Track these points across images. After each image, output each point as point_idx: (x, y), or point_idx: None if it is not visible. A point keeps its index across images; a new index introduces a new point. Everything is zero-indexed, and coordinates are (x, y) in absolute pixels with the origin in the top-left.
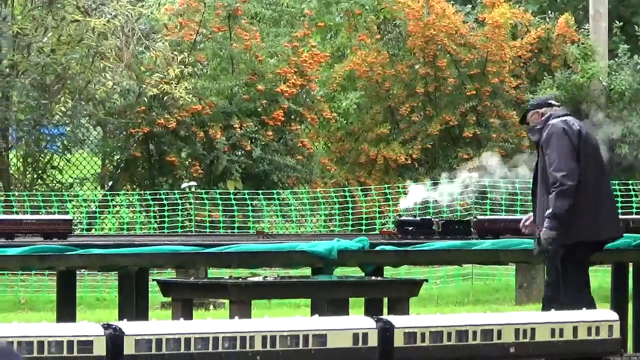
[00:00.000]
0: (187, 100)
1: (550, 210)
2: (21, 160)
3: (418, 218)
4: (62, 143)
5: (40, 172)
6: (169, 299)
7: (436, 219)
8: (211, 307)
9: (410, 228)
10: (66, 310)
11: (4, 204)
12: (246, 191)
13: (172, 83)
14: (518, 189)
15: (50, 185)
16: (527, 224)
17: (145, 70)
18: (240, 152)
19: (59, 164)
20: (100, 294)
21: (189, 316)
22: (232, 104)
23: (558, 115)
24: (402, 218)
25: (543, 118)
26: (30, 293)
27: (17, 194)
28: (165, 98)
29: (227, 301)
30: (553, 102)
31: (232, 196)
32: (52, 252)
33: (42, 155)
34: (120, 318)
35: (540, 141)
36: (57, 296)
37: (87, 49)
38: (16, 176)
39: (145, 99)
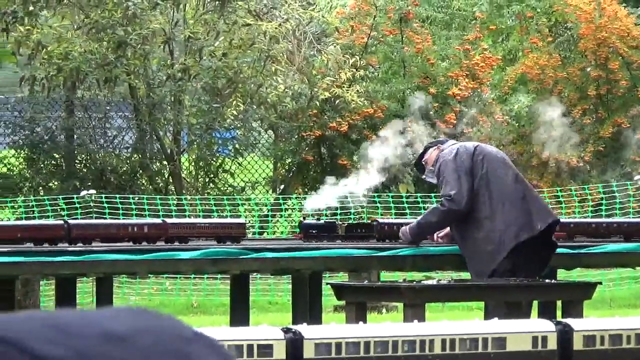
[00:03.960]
0: (358, 104)
1: None
2: (193, 164)
3: (322, 221)
4: (234, 147)
5: (212, 175)
6: (341, 302)
7: (340, 222)
8: (384, 310)
9: (314, 231)
10: (239, 313)
11: (176, 208)
12: (418, 194)
13: (343, 86)
14: None
15: (222, 189)
16: (441, 235)
17: (317, 73)
18: (412, 156)
19: (230, 167)
20: (272, 298)
21: (363, 319)
22: (404, 107)
23: (445, 147)
24: (306, 221)
25: (436, 158)
26: (202, 297)
27: (189, 197)
28: (337, 101)
29: (400, 304)
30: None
31: (404, 199)
32: (226, 255)
33: (214, 159)
34: (294, 321)
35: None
36: (230, 299)
37: (258, 52)
38: (188, 180)
39: (317, 103)
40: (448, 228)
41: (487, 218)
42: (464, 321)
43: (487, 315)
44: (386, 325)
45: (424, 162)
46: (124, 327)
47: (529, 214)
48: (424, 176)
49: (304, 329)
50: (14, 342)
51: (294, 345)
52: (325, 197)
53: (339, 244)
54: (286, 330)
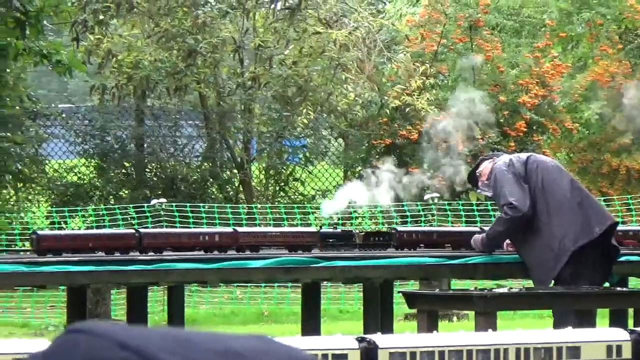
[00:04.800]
0: (429, 112)
1: None
2: (263, 172)
3: (339, 230)
4: (304, 155)
5: (282, 184)
6: (411, 311)
7: (357, 231)
8: (454, 318)
9: (331, 240)
10: (311, 322)
11: (247, 216)
12: (489, 202)
13: (414, 94)
14: None
15: (292, 197)
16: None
17: (387, 81)
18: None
19: (300, 175)
20: (343, 306)
21: (434, 328)
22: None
23: (499, 160)
24: (323, 230)
25: (490, 170)
26: (272, 305)
27: (259, 206)
28: (407, 109)
29: (471, 312)
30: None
31: (474, 207)
32: (297, 264)
33: (284, 168)
34: (366, 330)
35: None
36: (301, 308)
37: (328, 60)
38: (258, 188)
39: (387, 111)
40: None
41: (546, 225)
42: (538, 330)
43: (556, 324)
44: (460, 334)
45: (478, 174)
46: (243, 346)
47: (587, 218)
48: (478, 190)
49: (379, 338)
50: (135, 349)
51: (369, 355)
52: (378, 195)
53: (407, 252)
54: (361, 340)
